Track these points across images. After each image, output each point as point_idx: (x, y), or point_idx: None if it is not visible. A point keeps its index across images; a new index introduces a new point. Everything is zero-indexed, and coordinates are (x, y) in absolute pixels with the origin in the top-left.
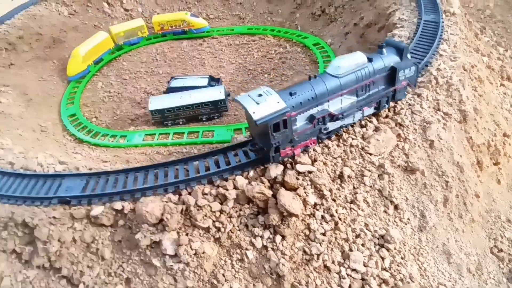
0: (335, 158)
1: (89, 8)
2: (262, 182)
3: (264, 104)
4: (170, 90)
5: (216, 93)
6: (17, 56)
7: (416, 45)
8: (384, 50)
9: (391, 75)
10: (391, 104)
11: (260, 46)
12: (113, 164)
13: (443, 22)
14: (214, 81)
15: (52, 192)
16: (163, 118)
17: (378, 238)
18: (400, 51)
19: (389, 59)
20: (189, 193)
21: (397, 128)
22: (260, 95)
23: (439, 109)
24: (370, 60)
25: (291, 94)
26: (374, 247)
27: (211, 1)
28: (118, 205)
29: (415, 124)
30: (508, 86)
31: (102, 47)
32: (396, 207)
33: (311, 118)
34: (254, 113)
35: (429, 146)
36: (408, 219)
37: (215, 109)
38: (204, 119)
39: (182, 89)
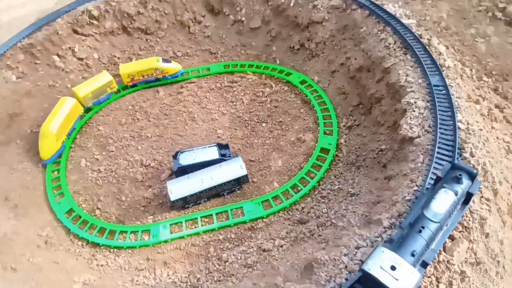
0: (429, 277)
1: (38, 65)
2: None
3: (402, 278)
4: (181, 169)
5: (237, 169)
6: None
7: (441, 123)
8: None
9: (466, 197)
10: None
11: (244, 88)
12: (151, 271)
13: (449, 85)
14: (223, 148)
15: None
16: (185, 203)
17: None
18: (472, 177)
19: (465, 185)
20: None
21: (466, 234)
22: (393, 267)
23: (482, 197)
24: (455, 193)
25: (413, 255)
26: None
27: (175, 36)
28: None
29: (475, 223)
30: (500, 129)
31: (72, 116)
32: None
33: (424, 264)
34: None
35: (485, 237)
36: None
37: (237, 184)
38: (225, 194)
39: (193, 166)
